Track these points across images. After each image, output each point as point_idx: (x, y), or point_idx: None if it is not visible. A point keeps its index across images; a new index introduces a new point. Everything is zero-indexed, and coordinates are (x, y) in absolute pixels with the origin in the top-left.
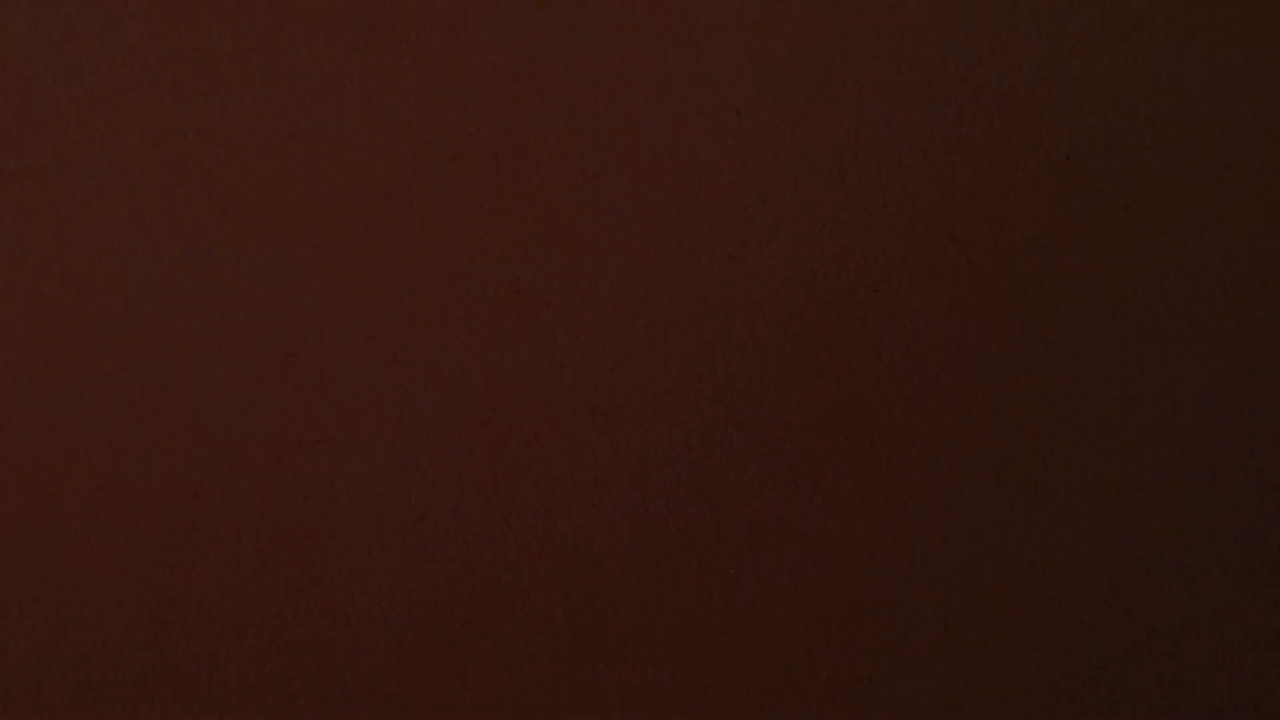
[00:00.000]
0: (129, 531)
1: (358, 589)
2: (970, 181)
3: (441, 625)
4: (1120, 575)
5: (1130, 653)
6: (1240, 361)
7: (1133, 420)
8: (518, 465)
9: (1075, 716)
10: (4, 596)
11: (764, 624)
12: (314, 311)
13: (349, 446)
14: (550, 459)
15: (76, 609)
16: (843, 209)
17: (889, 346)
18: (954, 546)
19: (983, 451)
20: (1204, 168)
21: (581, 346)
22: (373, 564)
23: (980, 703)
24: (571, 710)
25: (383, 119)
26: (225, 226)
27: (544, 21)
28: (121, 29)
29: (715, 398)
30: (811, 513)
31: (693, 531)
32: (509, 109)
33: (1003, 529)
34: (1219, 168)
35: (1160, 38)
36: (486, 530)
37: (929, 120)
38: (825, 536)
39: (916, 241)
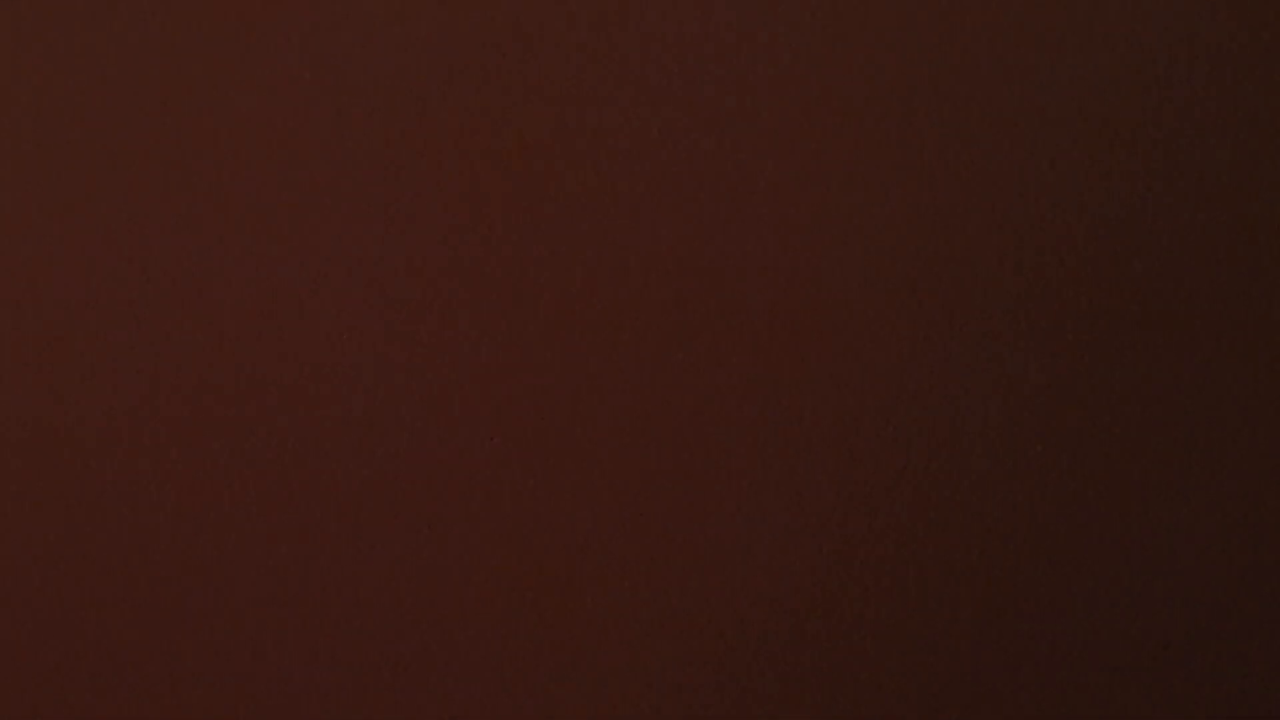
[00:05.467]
0: (128, 530)
1: (355, 589)
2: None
3: (438, 625)
4: (1125, 579)
5: (1135, 657)
6: (1234, 369)
7: (1128, 422)
8: (517, 466)
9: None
10: (4, 596)
11: (761, 625)
12: (314, 311)
13: (347, 446)
14: (549, 460)
15: (74, 609)
16: (838, 214)
17: (884, 351)
18: (953, 548)
19: (980, 455)
20: (1199, 171)
21: (578, 348)
22: (371, 565)
23: (983, 703)
24: (569, 710)
25: (380, 118)
26: (221, 227)
27: (542, 24)
28: (120, 29)
29: (712, 399)
30: (809, 514)
31: (690, 533)
32: (508, 111)
33: (1002, 530)
34: (1214, 172)
35: (1151, 43)
36: (485, 531)
37: (926, 126)
38: (823, 538)
39: (911, 247)
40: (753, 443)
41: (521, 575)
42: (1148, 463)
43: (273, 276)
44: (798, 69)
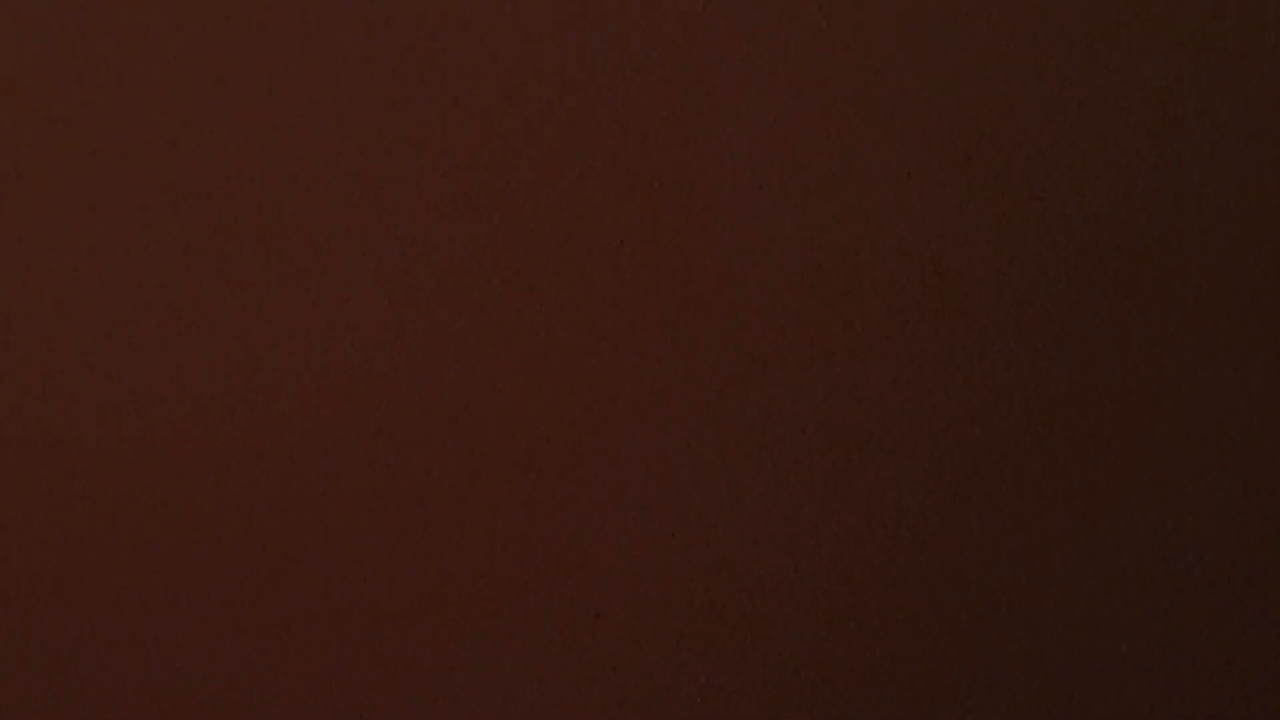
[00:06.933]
0: (127, 530)
1: (355, 589)
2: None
3: (438, 625)
4: (1121, 579)
5: (1128, 658)
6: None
7: (1125, 426)
8: (517, 465)
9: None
10: (4, 595)
11: (767, 625)
12: (313, 312)
13: (346, 446)
14: (549, 460)
15: (71, 609)
16: (831, 230)
17: (878, 359)
18: (955, 548)
19: (980, 454)
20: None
21: (578, 347)
22: (370, 563)
23: (983, 703)
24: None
25: (380, 118)
26: (223, 229)
27: (543, 24)
28: (119, 29)
29: (712, 401)
30: (811, 515)
31: (694, 533)
32: (507, 112)
33: (1000, 532)
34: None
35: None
36: (486, 531)
37: (920, 142)
38: (825, 539)
39: (898, 264)
40: (753, 442)
41: (522, 575)
42: (1149, 462)
43: (272, 277)
44: (799, 67)
